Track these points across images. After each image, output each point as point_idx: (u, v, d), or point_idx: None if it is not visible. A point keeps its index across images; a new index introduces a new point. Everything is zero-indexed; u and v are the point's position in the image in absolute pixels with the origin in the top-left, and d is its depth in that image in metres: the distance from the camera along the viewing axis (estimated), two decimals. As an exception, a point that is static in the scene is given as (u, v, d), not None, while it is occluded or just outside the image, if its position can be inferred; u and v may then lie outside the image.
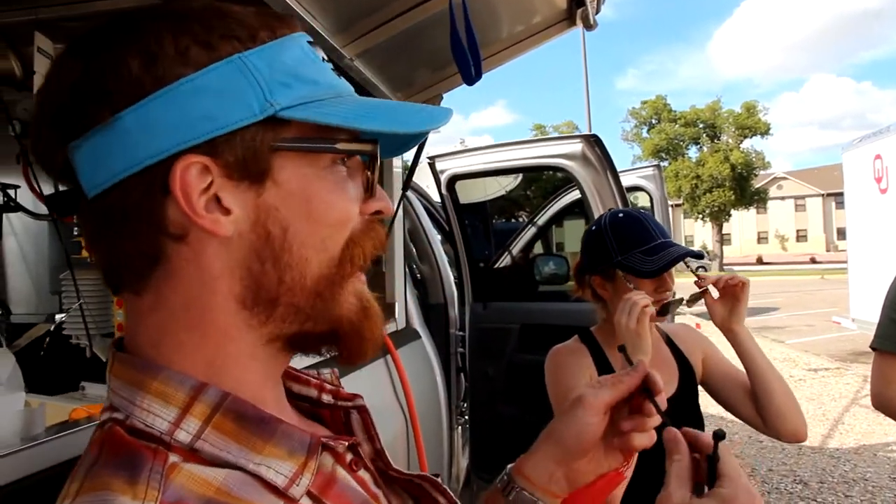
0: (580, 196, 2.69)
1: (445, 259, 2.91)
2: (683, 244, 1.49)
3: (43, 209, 1.54)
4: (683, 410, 1.38)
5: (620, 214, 1.44)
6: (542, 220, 3.58)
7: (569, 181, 3.09)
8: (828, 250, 47.39)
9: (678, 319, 2.52)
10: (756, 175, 37.23)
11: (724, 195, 34.60)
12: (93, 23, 0.46)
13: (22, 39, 1.43)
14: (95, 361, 1.41)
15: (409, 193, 2.71)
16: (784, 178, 52.66)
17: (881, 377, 1.58)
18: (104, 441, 0.43)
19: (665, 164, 35.02)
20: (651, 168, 3.81)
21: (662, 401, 0.62)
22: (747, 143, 36.59)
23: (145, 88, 0.42)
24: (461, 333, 2.90)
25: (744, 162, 35.06)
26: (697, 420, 1.42)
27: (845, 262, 8.14)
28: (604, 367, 1.38)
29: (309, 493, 0.45)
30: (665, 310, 1.35)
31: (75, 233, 1.48)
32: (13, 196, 1.72)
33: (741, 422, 1.42)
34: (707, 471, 0.56)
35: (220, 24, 0.45)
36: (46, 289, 1.96)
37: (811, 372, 7.62)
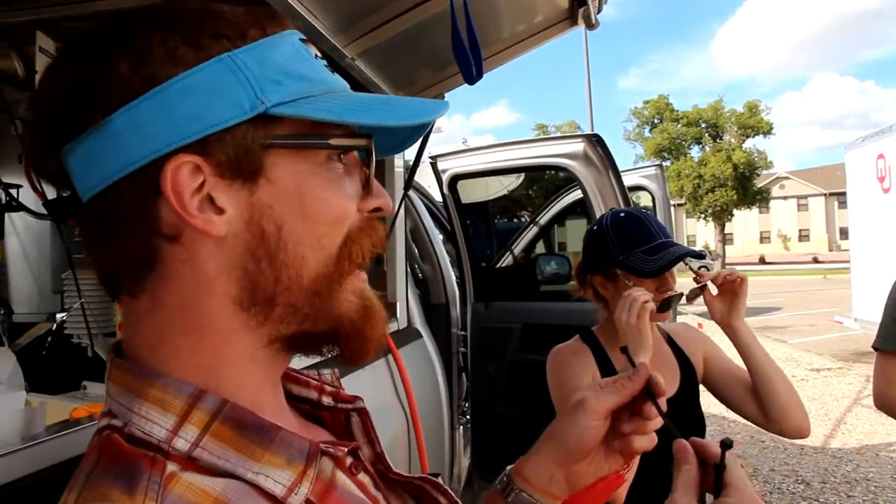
0: (582, 196, 2.69)
1: (447, 259, 2.91)
2: (685, 244, 1.49)
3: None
4: (685, 410, 1.38)
5: (622, 214, 1.44)
6: (543, 219, 3.58)
7: (571, 181, 3.09)
8: (830, 250, 47.30)
9: (680, 320, 2.51)
10: (758, 175, 37.20)
11: (727, 195, 34.58)
12: (94, 22, 0.46)
13: (24, 39, 1.44)
14: (97, 361, 1.41)
15: (411, 193, 2.70)
16: (786, 178, 52.58)
17: (883, 377, 1.58)
18: (102, 449, 0.43)
19: (667, 163, 35.02)
20: (653, 167, 3.82)
21: (662, 403, 0.62)
22: (750, 143, 36.60)
23: (135, 90, 0.42)
24: (463, 333, 2.89)
25: (746, 161, 35.04)
26: (699, 420, 1.42)
27: (848, 261, 8.12)
28: (606, 366, 1.38)
29: (308, 502, 0.44)
30: (665, 306, 1.34)
31: (77, 232, 1.48)
32: (15, 195, 1.73)
33: (743, 422, 1.43)
34: (714, 479, 0.57)
35: (210, 24, 0.45)
36: (48, 288, 1.96)
37: (813, 372, 7.61)
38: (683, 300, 1.42)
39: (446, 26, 1.25)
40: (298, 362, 0.55)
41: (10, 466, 0.66)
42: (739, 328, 1.34)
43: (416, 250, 2.88)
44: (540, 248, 3.75)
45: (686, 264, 1.40)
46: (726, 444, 0.57)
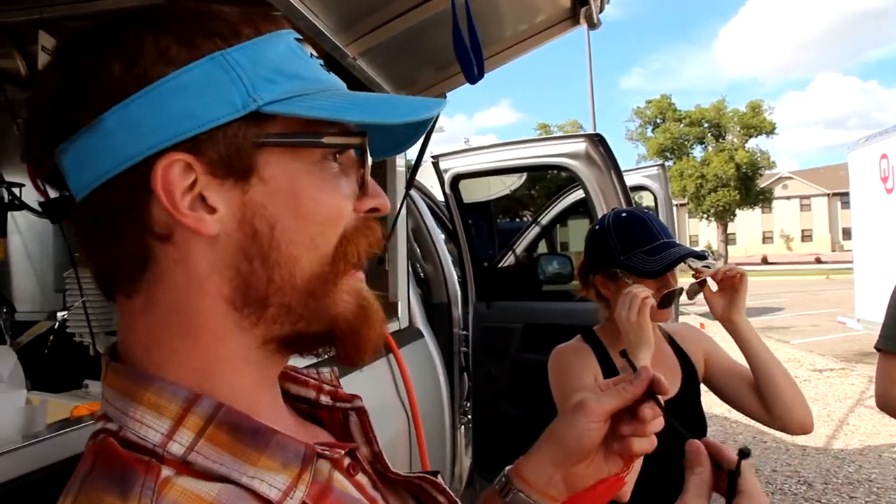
0: (584, 195, 2.69)
1: (449, 258, 2.91)
2: (688, 244, 1.49)
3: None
4: (686, 411, 1.38)
5: (624, 214, 1.44)
6: (546, 219, 3.58)
7: (573, 181, 3.08)
8: (833, 250, 47.19)
9: (682, 320, 2.51)
10: (761, 174, 37.19)
11: (729, 195, 34.56)
12: (96, 21, 0.46)
13: (26, 38, 1.44)
14: (99, 359, 1.41)
15: (413, 192, 2.71)
16: (789, 178, 52.49)
17: (885, 378, 1.58)
18: (97, 453, 0.42)
19: (670, 163, 35.01)
20: (655, 167, 3.81)
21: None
22: (752, 143, 36.60)
23: (127, 89, 0.42)
24: (464, 333, 2.89)
25: (749, 161, 35.02)
26: (700, 421, 1.42)
27: (850, 262, 8.11)
28: (608, 366, 1.38)
29: None
30: (666, 301, 1.34)
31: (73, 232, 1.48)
32: (18, 194, 1.73)
33: (744, 423, 1.43)
34: (727, 484, 0.57)
35: (202, 23, 0.45)
36: (51, 287, 1.97)
37: (816, 372, 7.59)
38: (684, 297, 1.42)
39: (448, 26, 1.25)
40: (299, 362, 0.54)
41: (10, 465, 0.66)
42: (740, 323, 1.34)
43: (418, 250, 2.88)
44: (542, 247, 3.75)
45: (688, 265, 1.40)
46: (744, 453, 0.57)
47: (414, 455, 1.80)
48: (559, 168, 2.82)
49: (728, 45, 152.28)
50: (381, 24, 1.48)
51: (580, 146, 2.65)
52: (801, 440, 4.84)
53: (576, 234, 4.58)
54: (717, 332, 1.46)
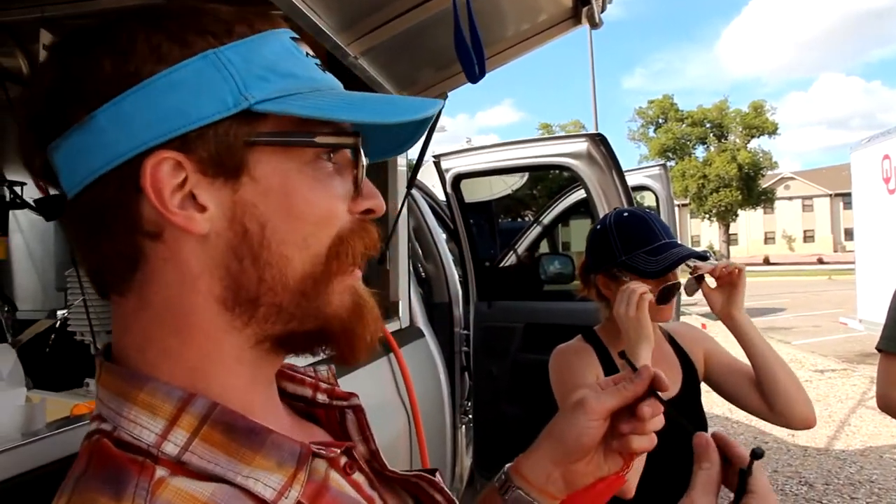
0: (585, 195, 2.69)
1: (450, 258, 2.91)
2: (690, 244, 1.50)
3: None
4: (686, 410, 1.38)
5: (625, 214, 1.44)
6: (547, 219, 3.58)
7: (574, 180, 3.09)
8: (835, 251, 47.12)
9: (683, 320, 2.51)
10: (763, 175, 37.15)
11: (731, 195, 34.53)
12: (98, 20, 0.46)
13: (28, 37, 1.45)
14: (100, 358, 1.41)
15: (414, 192, 2.70)
16: (791, 178, 52.44)
17: (887, 378, 1.57)
18: (92, 453, 0.42)
19: (672, 163, 34.99)
20: (657, 167, 3.81)
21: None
22: (755, 143, 36.56)
23: (119, 86, 0.42)
24: (465, 332, 2.89)
25: (751, 162, 34.97)
26: (700, 420, 1.42)
27: (853, 262, 8.10)
28: (609, 366, 1.38)
29: None
30: (664, 297, 1.34)
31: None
32: (19, 193, 1.73)
33: (745, 423, 1.43)
34: (737, 482, 0.57)
35: (195, 21, 0.45)
36: (52, 285, 1.97)
37: (818, 373, 7.58)
38: (685, 297, 1.41)
39: (450, 25, 1.24)
40: (298, 361, 0.54)
41: (9, 463, 0.66)
42: (740, 319, 1.34)
43: (420, 249, 2.88)
44: (543, 247, 3.75)
45: (689, 266, 1.40)
46: (757, 454, 0.57)
47: (414, 455, 1.80)
48: (561, 168, 2.82)
49: (731, 45, 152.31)
50: (382, 24, 1.48)
51: (582, 146, 2.65)
52: (802, 441, 4.83)
53: (577, 234, 4.58)
54: (718, 333, 1.46)
